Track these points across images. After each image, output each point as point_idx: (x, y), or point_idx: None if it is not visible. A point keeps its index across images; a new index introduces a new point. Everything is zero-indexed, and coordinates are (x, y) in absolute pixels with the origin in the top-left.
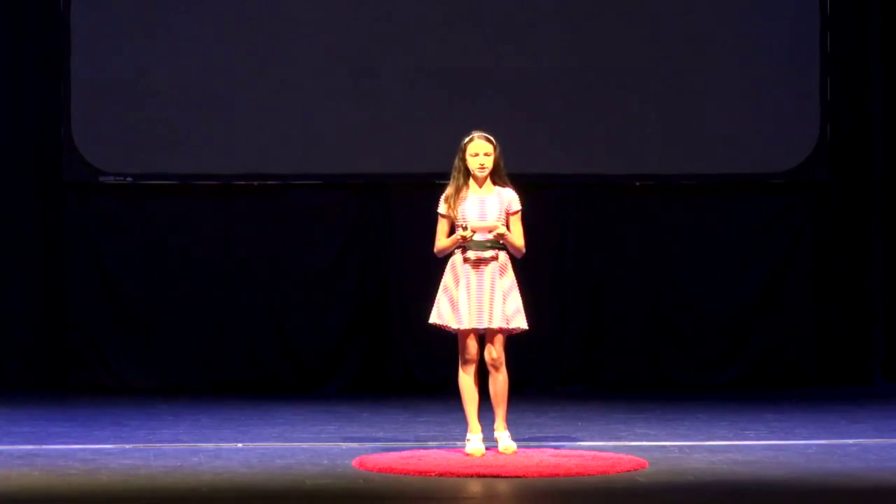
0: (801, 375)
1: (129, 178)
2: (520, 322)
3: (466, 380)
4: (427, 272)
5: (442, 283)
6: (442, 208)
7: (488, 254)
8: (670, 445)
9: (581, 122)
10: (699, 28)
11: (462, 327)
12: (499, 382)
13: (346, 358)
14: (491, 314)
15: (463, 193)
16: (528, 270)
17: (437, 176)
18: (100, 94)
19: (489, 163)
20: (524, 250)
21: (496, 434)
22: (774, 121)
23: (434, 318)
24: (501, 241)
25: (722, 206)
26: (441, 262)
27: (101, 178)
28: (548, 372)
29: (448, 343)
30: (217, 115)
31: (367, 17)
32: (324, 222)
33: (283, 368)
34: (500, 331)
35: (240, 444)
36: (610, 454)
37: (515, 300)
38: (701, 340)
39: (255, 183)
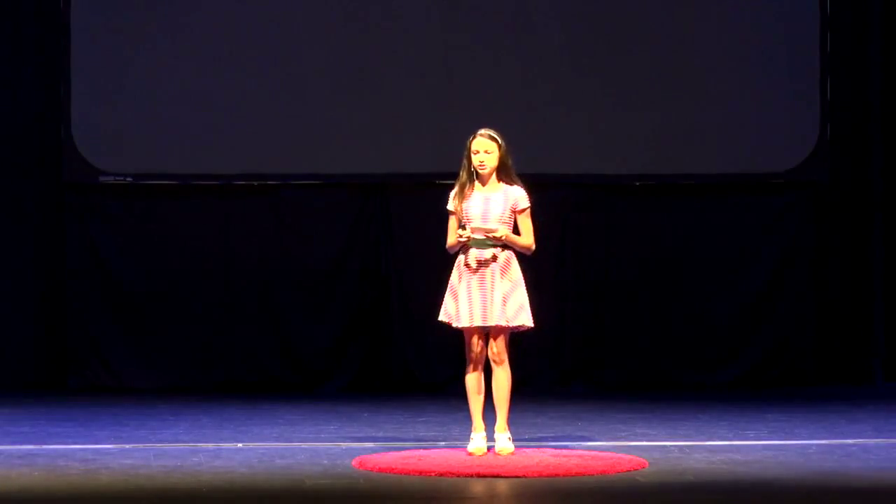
0: (801, 375)
1: (129, 178)
2: (524, 320)
3: (471, 378)
4: (427, 272)
5: (449, 282)
6: (451, 205)
7: (488, 253)
8: (670, 445)
9: (581, 123)
10: (699, 28)
11: (462, 325)
12: (500, 381)
13: (346, 358)
14: (489, 313)
15: (467, 191)
16: (528, 270)
17: (436, 176)
18: (100, 94)
19: (490, 161)
20: (533, 247)
21: (496, 434)
22: (774, 121)
23: (441, 316)
24: (501, 243)
25: (722, 206)
26: (446, 260)
27: (101, 178)
28: (548, 372)
29: (448, 343)
30: (217, 115)
31: (367, 17)
32: (324, 222)
33: (283, 368)
34: (505, 328)
35: (240, 444)
36: (610, 454)
37: (519, 298)
38: (701, 340)
39: (255, 183)
